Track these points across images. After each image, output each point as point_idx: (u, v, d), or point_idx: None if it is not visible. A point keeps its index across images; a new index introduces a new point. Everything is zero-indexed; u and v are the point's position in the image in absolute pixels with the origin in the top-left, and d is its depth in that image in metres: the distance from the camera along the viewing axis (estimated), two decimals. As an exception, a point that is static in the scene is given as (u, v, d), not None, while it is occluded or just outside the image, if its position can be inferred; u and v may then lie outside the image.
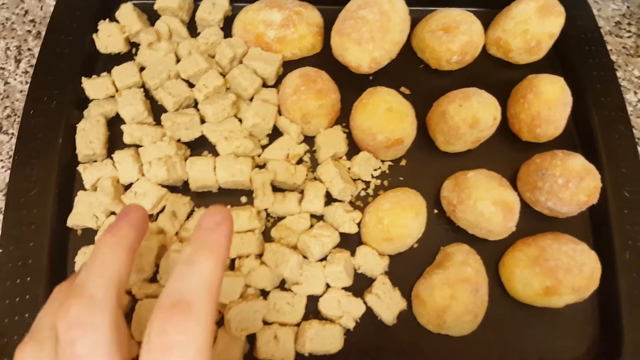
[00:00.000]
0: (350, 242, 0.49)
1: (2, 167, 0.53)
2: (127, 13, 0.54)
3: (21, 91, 0.56)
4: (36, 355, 0.26)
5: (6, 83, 0.56)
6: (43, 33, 0.56)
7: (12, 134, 0.54)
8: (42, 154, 0.50)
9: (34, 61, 0.57)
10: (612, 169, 0.50)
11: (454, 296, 0.44)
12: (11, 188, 0.49)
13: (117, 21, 0.54)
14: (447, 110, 0.48)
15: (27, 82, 0.56)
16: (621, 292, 0.46)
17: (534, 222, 0.49)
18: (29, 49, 0.57)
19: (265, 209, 0.50)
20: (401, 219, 0.46)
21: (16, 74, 0.56)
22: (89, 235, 0.49)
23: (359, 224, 0.49)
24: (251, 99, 0.53)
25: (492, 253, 0.49)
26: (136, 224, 0.30)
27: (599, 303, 0.48)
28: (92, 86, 0.52)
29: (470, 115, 0.48)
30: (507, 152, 0.52)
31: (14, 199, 0.48)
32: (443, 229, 0.50)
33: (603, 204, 0.48)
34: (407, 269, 0.48)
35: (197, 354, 0.24)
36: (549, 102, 0.48)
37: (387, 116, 0.48)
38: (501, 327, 0.47)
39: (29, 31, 0.58)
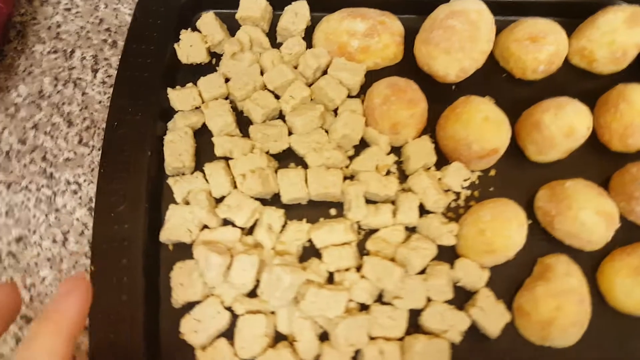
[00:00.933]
0: (445, 254, 0.48)
1: (85, 180, 0.52)
2: (209, 22, 0.53)
3: (100, 102, 0.55)
4: None
5: (84, 93, 0.55)
6: (119, 42, 0.55)
7: (93, 146, 0.53)
8: (130, 167, 0.49)
9: (111, 71, 0.56)
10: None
11: (560, 307, 0.44)
12: (99, 203, 0.48)
13: (199, 31, 0.54)
14: (542, 120, 0.48)
15: (105, 93, 0.55)
16: None
17: (627, 232, 0.49)
18: (106, 59, 0.56)
19: (357, 222, 0.49)
20: (505, 230, 0.46)
21: (94, 84, 0.55)
22: (181, 250, 0.48)
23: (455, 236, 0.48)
24: (335, 110, 0.53)
25: (588, 263, 0.49)
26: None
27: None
28: (178, 97, 0.51)
29: (566, 125, 0.48)
30: (597, 162, 0.52)
31: (103, 214, 0.47)
32: (537, 240, 0.49)
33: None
34: (504, 281, 0.48)
35: None
36: (641, 112, 0.49)
37: (483, 125, 0.48)
38: (603, 337, 0.47)
39: (105, 40, 0.57)
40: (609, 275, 0.47)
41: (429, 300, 0.47)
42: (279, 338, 0.46)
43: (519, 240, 0.46)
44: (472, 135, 0.48)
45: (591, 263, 0.49)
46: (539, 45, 0.51)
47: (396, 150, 0.52)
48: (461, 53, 0.50)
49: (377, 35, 0.53)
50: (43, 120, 0.54)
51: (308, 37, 0.55)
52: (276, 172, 0.50)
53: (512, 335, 0.47)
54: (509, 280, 0.49)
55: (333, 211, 0.51)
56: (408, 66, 0.54)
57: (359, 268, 0.47)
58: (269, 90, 0.52)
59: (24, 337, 0.49)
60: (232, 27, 0.55)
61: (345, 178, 0.51)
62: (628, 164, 0.50)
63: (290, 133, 0.51)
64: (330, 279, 0.48)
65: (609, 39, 0.52)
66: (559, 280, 0.45)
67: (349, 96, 0.54)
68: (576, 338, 0.45)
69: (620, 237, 0.48)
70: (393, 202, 0.50)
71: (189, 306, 0.46)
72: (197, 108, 0.52)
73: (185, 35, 0.53)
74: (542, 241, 0.50)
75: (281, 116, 0.52)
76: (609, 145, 0.51)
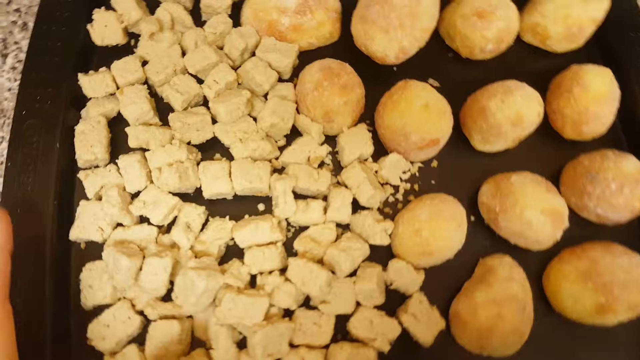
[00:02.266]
0: (379, 253, 0.45)
1: (-8, 174, 0.48)
2: (124, 0, 0.48)
3: (9, 89, 0.50)
4: None
5: (-7, 80, 0.50)
6: (29, 24, 0.51)
7: (2, 137, 0.49)
8: (38, 160, 0.45)
9: (22, 56, 0.51)
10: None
11: (501, 315, 0.40)
12: (5, 199, 0.44)
13: (114, 9, 0.49)
14: (488, 107, 0.44)
15: (15, 80, 0.50)
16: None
17: (578, 230, 0.45)
18: (16, 42, 0.52)
19: (287, 219, 0.45)
20: (442, 230, 0.42)
21: (3, 71, 0.51)
22: (93, 249, 0.44)
23: (390, 235, 0.44)
24: (265, 95, 0.48)
25: (535, 264, 0.45)
26: None
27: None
28: (90, 83, 0.47)
29: (513, 112, 0.43)
30: (548, 151, 0.48)
31: (9, 212, 0.44)
32: (481, 238, 0.46)
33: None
34: (442, 284, 0.44)
35: None
36: (597, 97, 0.44)
37: (422, 114, 0.43)
38: (546, 346, 0.43)
39: (14, 22, 0.52)
40: (555, 280, 0.43)
41: (358, 304, 0.43)
42: (196, 344, 0.43)
43: (457, 241, 0.43)
44: (410, 124, 0.43)
45: (538, 264, 0.45)
46: (487, 22, 0.46)
47: (331, 139, 0.48)
48: (400, 31, 0.45)
49: (310, 12, 0.48)
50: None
51: (235, 14, 0.50)
52: (198, 164, 0.45)
53: (446, 343, 0.43)
54: (448, 281, 0.45)
55: (261, 206, 0.47)
56: (346, 46, 0.50)
57: (285, 270, 0.44)
58: (190, 74, 0.47)
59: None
60: (152, 4, 0.50)
61: (275, 170, 0.47)
62: (581, 155, 0.45)
63: (214, 122, 0.47)
64: (252, 283, 0.44)
65: (563, 14, 0.47)
66: (500, 286, 0.41)
67: (281, 80, 0.49)
68: (517, 347, 0.42)
69: (571, 235, 0.44)
70: (325, 198, 0.46)
71: (100, 309, 0.43)
72: (112, 95, 0.47)
73: (99, 14, 0.48)
74: (485, 239, 0.46)
75: (205, 103, 0.48)
76: (562, 133, 0.47)
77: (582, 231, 0.45)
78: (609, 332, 0.42)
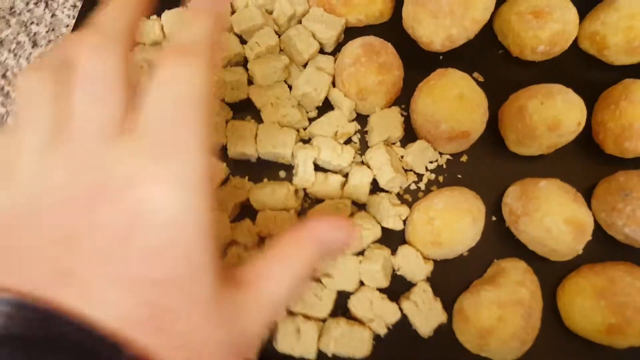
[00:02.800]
0: (392, 238, 0.44)
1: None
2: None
3: (67, 25, 0.52)
4: (44, 79, 0.25)
5: (53, 15, 0.52)
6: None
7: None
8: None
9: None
10: None
11: (503, 318, 0.39)
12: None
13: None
14: (526, 107, 0.42)
15: (74, 17, 0.52)
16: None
17: (603, 247, 0.43)
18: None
19: (304, 189, 0.45)
20: (455, 222, 0.41)
21: (65, 7, 0.53)
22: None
23: (404, 221, 0.44)
24: (305, 65, 0.48)
25: (551, 274, 0.43)
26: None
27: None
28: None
29: (551, 116, 0.41)
30: (586, 163, 0.45)
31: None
32: (499, 240, 0.44)
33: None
34: (452, 278, 0.43)
35: (199, 88, 0.23)
36: (645, 113, 0.42)
37: (456, 103, 0.42)
38: (549, 358, 0.42)
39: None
40: (569, 293, 0.41)
41: (361, 284, 0.43)
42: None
43: (471, 236, 0.41)
44: (441, 112, 0.42)
45: (555, 275, 0.43)
46: (542, 22, 0.45)
47: (363, 119, 0.47)
48: (450, 18, 0.44)
49: (363, -13, 0.48)
50: (9, 38, 0.52)
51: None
52: (227, 123, 0.46)
53: (447, 338, 0.42)
54: (459, 277, 0.44)
55: (282, 173, 0.47)
56: (395, 29, 0.49)
57: (294, 238, 0.44)
58: (234, 33, 0.48)
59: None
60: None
61: (302, 140, 0.47)
62: (619, 171, 0.43)
63: (250, 83, 0.47)
64: (261, 244, 0.44)
65: (626, 25, 0.44)
66: (508, 288, 0.40)
67: (324, 52, 0.49)
68: (517, 354, 0.40)
69: (595, 251, 0.42)
70: (347, 175, 0.46)
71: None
72: (158, 43, 0.48)
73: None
74: (504, 242, 0.44)
75: (245, 64, 0.48)
76: (603, 147, 0.44)
77: (606, 249, 0.43)
78: (618, 354, 0.40)
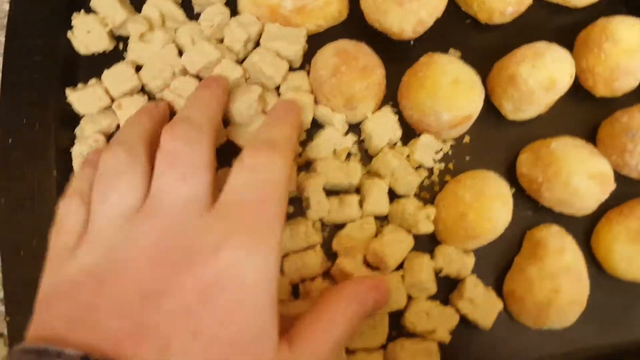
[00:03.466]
0: (421, 241, 0.42)
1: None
2: (105, 0, 0.43)
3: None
4: (80, 210, 0.30)
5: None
6: (1, 39, 0.44)
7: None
8: (34, 195, 0.40)
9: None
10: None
11: (556, 289, 0.39)
12: (4, 241, 0.40)
13: (95, 12, 0.43)
14: (519, 73, 0.41)
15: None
16: None
17: (621, 188, 0.43)
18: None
19: (321, 219, 0.42)
20: (489, 211, 0.40)
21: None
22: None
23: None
24: (277, 88, 0.44)
25: (581, 229, 0.43)
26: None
27: None
28: (81, 99, 0.42)
29: (546, 77, 0.41)
30: (580, 111, 0.45)
31: (11, 255, 0.40)
32: (522, 210, 0.44)
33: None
34: (490, 262, 0.43)
35: (281, 177, 0.30)
36: (628, 51, 0.42)
37: (452, 91, 0.40)
38: (603, 309, 0.42)
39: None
40: (605, 242, 0.42)
41: (410, 298, 0.41)
42: None
43: (504, 219, 0.41)
44: (440, 103, 0.40)
45: (584, 228, 0.44)
46: (506, -18, 0.43)
47: (355, 127, 0.45)
48: (416, 1, 0.41)
49: (314, -9, 0.44)
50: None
51: (232, 2, 0.45)
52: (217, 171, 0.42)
53: (505, 322, 0.42)
54: (496, 258, 0.43)
55: (290, 209, 0.43)
56: (357, 24, 0.46)
57: (326, 273, 0.41)
58: (191, 75, 0.43)
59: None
60: (137, 2, 0.44)
61: (299, 168, 0.43)
62: (617, 111, 0.43)
63: (226, 124, 0.43)
64: (295, 292, 0.41)
65: (581, -35, 0.44)
66: (552, 258, 0.40)
67: (292, 69, 0.45)
68: (575, 317, 0.41)
69: (614, 194, 0.43)
70: (358, 191, 0.43)
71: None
72: (107, 108, 0.43)
73: (79, 19, 0.42)
74: (528, 210, 0.44)
75: (213, 105, 0.44)
76: (594, 91, 0.45)
77: (625, 189, 0.43)
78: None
